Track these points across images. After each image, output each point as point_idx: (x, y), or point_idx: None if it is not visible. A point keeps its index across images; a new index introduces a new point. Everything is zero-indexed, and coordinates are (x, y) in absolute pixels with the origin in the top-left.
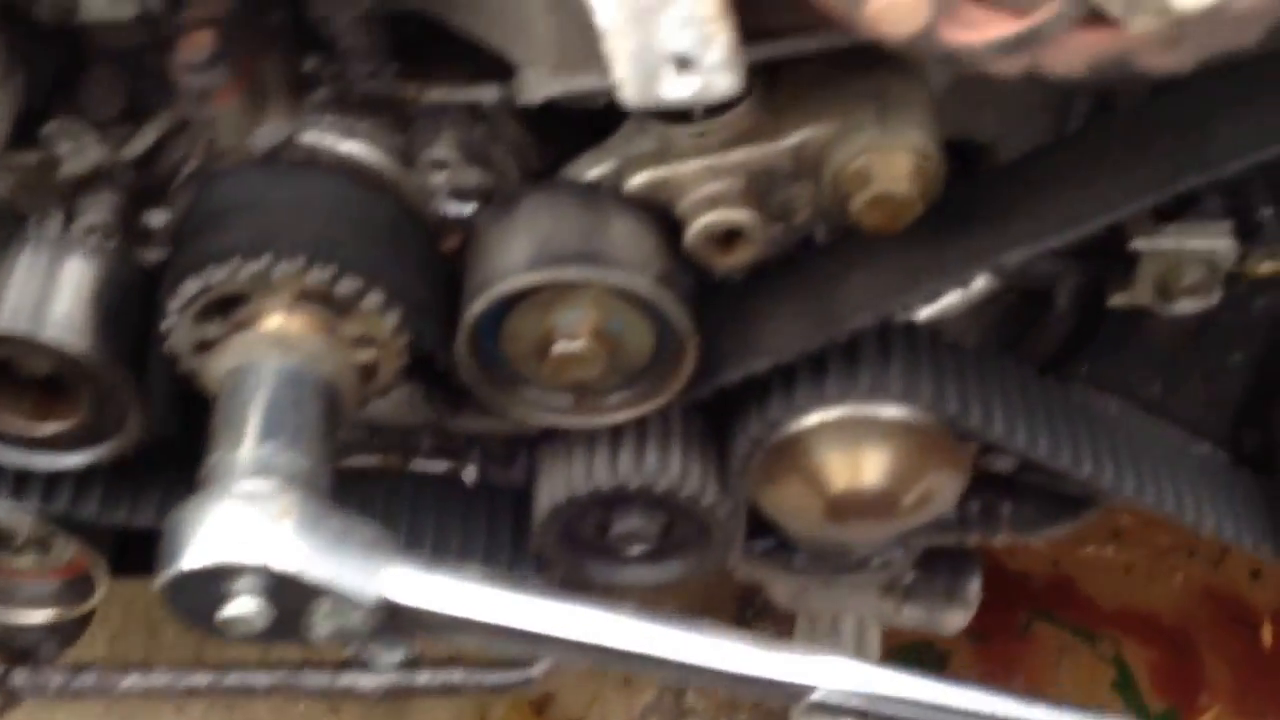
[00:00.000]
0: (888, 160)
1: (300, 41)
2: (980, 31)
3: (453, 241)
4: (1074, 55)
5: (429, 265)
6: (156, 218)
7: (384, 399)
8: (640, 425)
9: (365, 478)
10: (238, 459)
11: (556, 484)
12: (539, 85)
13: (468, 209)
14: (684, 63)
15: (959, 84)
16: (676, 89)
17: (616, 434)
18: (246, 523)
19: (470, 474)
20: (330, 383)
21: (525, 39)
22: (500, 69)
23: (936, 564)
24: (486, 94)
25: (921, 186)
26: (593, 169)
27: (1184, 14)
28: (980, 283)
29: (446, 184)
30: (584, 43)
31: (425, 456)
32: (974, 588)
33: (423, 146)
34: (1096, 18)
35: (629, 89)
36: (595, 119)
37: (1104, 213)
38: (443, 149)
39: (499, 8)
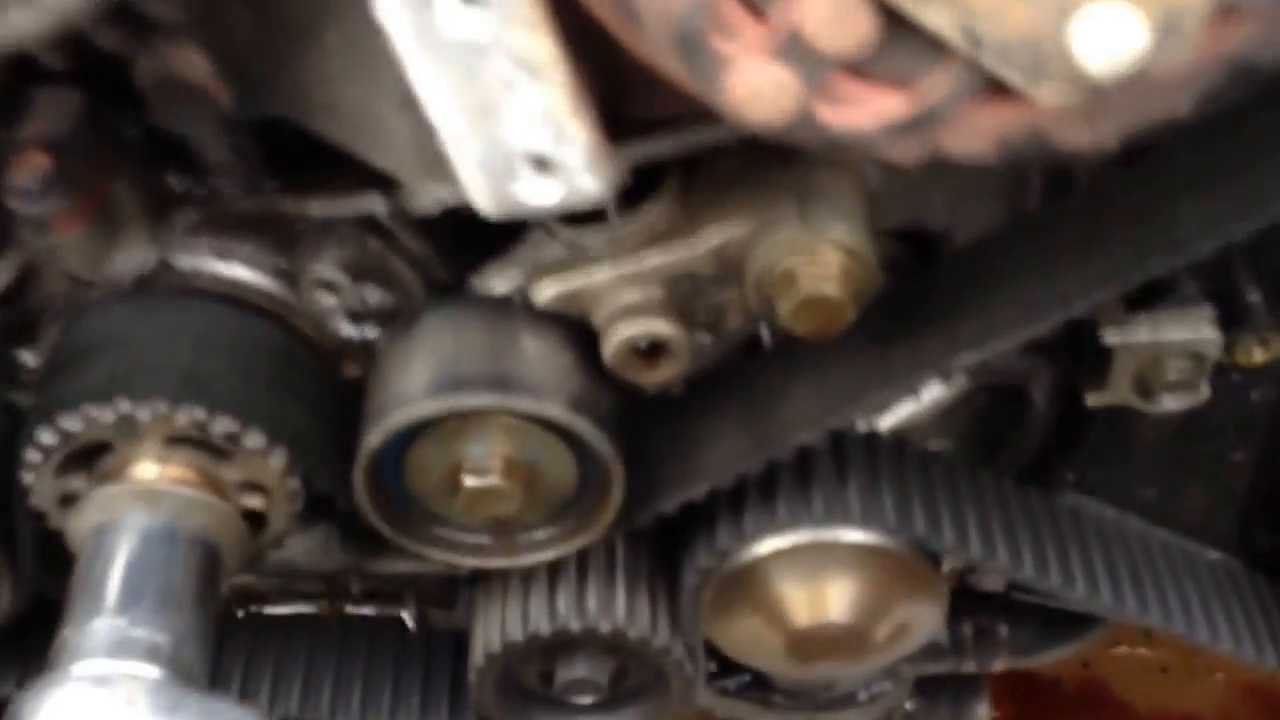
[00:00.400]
0: (812, 260)
1: (163, 158)
2: (865, 112)
3: (355, 368)
4: (978, 134)
5: (324, 397)
6: (28, 357)
7: (299, 543)
8: (580, 561)
9: (285, 626)
10: (89, 634)
11: (491, 630)
12: (430, 192)
13: (369, 331)
14: (541, 164)
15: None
16: (537, 194)
17: (555, 572)
18: (89, 716)
19: (410, 618)
20: (207, 538)
21: (384, 144)
22: (389, 177)
23: (938, 689)
24: (374, 204)
25: (853, 288)
26: (499, 281)
27: (1096, 81)
28: (946, 385)
29: (338, 306)
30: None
31: (356, 602)
32: (981, 712)
33: (305, 265)
34: (1001, 90)
35: (481, 196)
36: (510, 226)
37: (1061, 307)
38: (327, 268)
39: (355, 111)
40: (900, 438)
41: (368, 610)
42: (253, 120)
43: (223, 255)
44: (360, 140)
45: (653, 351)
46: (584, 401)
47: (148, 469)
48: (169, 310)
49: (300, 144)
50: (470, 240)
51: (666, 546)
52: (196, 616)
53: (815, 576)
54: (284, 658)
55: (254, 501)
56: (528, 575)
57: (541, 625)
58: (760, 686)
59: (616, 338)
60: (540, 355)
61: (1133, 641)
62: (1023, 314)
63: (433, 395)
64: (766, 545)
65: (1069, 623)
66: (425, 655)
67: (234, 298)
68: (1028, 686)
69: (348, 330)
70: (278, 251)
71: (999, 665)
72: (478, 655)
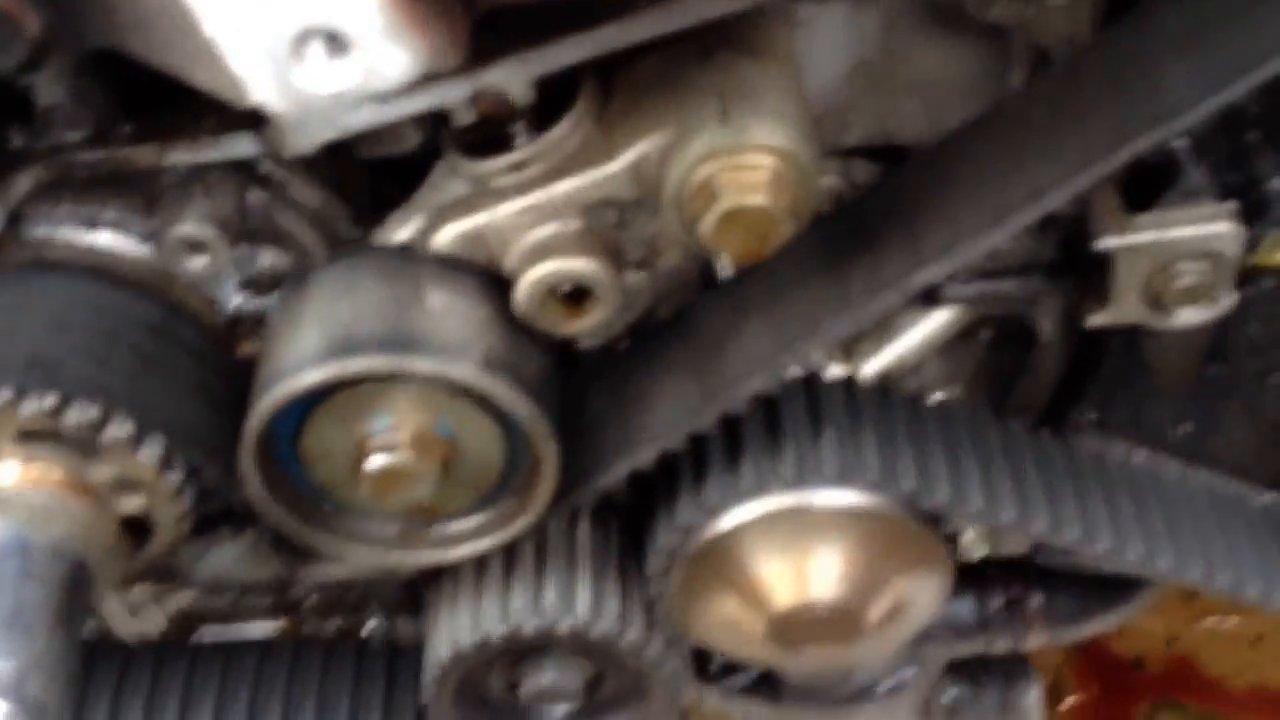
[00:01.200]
0: (735, 166)
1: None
2: None
3: (253, 345)
4: None
5: (211, 379)
6: None
7: (227, 551)
8: (539, 550)
9: (231, 646)
10: None
11: (440, 637)
12: (304, 130)
13: (265, 299)
14: (335, 40)
15: (862, 69)
16: (329, 79)
17: (510, 565)
18: None
19: (375, 629)
20: (69, 548)
21: (196, 54)
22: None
23: (983, 674)
24: (243, 146)
25: (789, 197)
26: (400, 230)
27: None
28: (941, 316)
29: (214, 269)
30: None
31: (318, 617)
32: (1032, 697)
33: (168, 224)
34: None
35: (261, 86)
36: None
37: (1034, 203)
38: (191, 223)
39: (161, 20)
40: (887, 383)
41: (331, 624)
42: (90, 58)
43: (80, 220)
44: (174, 55)
45: (577, 296)
46: (501, 361)
47: (5, 470)
48: (16, 286)
49: (161, 87)
50: (384, 190)
51: (640, 526)
52: (52, 640)
53: (792, 549)
54: (228, 683)
55: (132, 503)
56: (481, 571)
57: (494, 628)
58: (769, 683)
59: (528, 280)
60: (447, 310)
61: (1220, 610)
62: (991, 217)
63: (320, 361)
64: (733, 516)
65: (1110, 587)
66: (387, 672)
67: (97, 268)
68: (1109, 669)
69: (239, 301)
70: (145, 212)
71: (1035, 641)
72: (429, 667)
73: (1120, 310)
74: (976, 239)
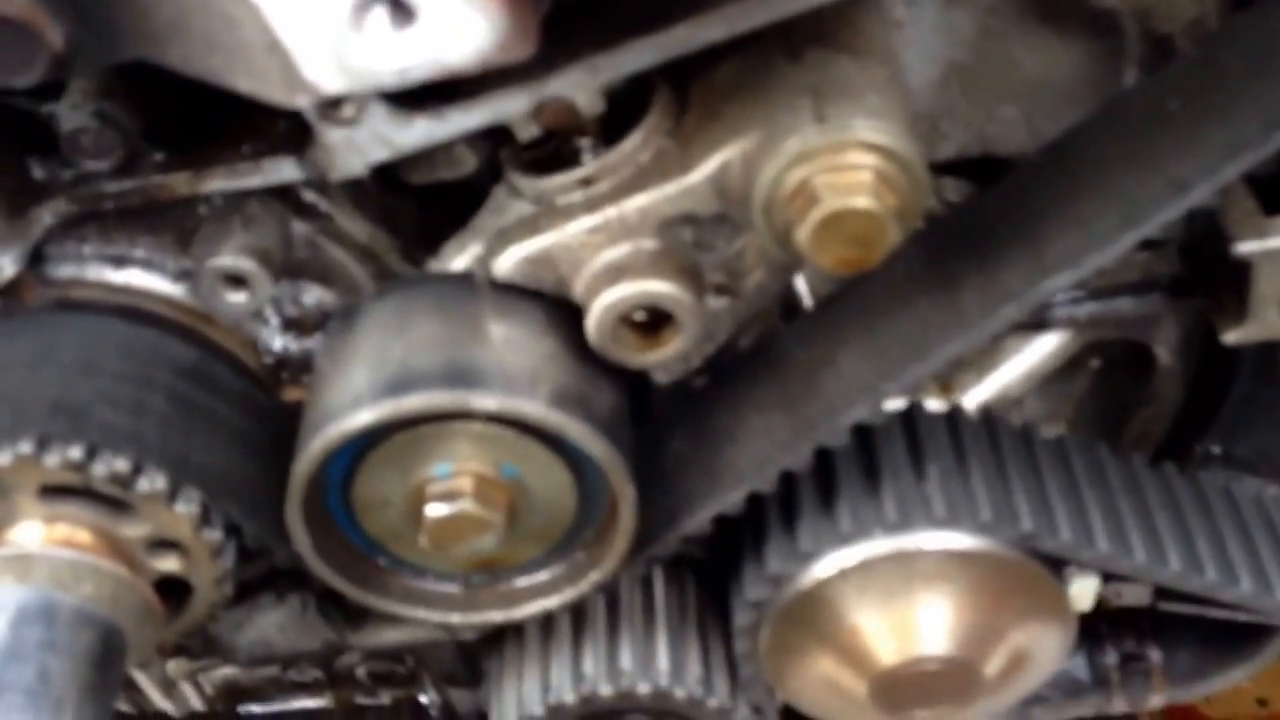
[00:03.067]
0: (835, 166)
1: (17, 140)
2: None
3: (298, 390)
4: None
5: (251, 427)
6: None
7: (271, 618)
8: (611, 606)
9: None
10: None
11: (506, 705)
12: (353, 150)
13: (311, 343)
14: (399, 7)
15: (957, 73)
16: (392, 52)
17: (580, 624)
18: None
19: (430, 702)
20: (99, 613)
21: (242, 56)
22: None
23: None
24: (285, 170)
25: (896, 198)
26: (458, 257)
27: None
28: (1049, 342)
29: (253, 307)
30: None
31: (368, 691)
32: None
33: (205, 257)
34: None
35: (316, 59)
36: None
37: (1177, 196)
38: (230, 255)
39: (203, 21)
40: (993, 415)
41: (383, 698)
42: (116, 78)
43: (108, 258)
44: (215, 59)
45: (653, 324)
46: (570, 396)
47: (28, 530)
48: (39, 328)
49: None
50: (438, 222)
51: (722, 578)
52: (83, 713)
53: (896, 599)
54: None
55: (168, 563)
56: (548, 631)
57: (565, 694)
58: None
59: (600, 305)
60: (512, 342)
61: None
62: (1127, 214)
63: (374, 399)
64: (830, 564)
65: (1237, 637)
66: None
67: (127, 309)
68: None
69: (282, 343)
70: (179, 248)
71: (1156, 700)
72: None
73: (1260, 325)
74: (1112, 240)
